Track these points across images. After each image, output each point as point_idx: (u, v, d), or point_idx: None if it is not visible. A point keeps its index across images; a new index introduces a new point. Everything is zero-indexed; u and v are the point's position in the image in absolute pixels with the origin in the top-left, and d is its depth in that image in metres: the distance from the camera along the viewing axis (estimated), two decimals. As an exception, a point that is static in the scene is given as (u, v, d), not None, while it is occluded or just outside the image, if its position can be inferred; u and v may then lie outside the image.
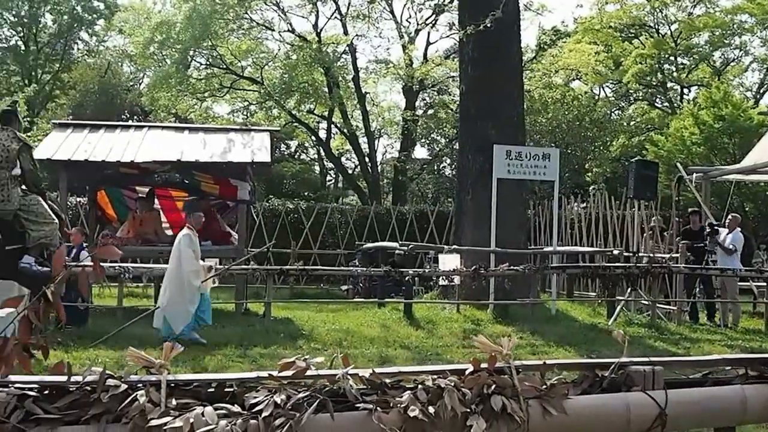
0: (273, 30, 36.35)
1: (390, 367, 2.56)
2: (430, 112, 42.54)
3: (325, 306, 17.99)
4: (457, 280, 16.28)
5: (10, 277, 10.97)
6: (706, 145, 28.28)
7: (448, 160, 44.29)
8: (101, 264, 2.54)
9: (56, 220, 10.98)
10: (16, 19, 46.41)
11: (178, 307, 12.04)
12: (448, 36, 40.48)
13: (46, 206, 10.91)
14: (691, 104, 33.99)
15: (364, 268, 18.10)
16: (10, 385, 2.15)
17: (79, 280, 3.20)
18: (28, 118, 33.94)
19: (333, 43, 35.22)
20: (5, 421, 2.04)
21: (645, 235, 18.33)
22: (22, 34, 46.91)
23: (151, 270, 15.83)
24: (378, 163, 42.06)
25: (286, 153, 47.77)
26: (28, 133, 31.07)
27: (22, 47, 46.81)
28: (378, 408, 2.23)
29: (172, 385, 2.23)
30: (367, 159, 38.96)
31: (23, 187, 10.79)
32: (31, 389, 2.16)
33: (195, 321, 12.28)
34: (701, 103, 30.55)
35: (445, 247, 18.31)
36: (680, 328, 15.43)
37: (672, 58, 40.95)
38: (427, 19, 39.60)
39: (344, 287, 22.33)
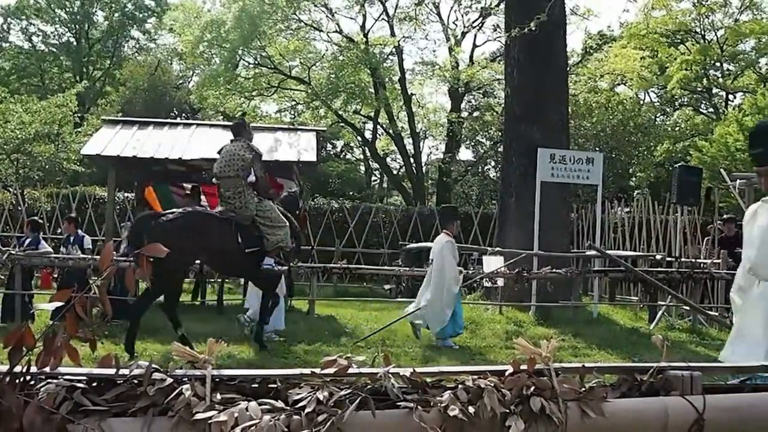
0: (321, 31, 36.48)
1: (433, 366, 2.58)
2: (476, 114, 42.43)
3: (368, 304, 18.04)
4: (500, 281, 16.25)
5: (247, 276, 12.50)
6: (751, 152, 27.90)
7: (493, 163, 44.11)
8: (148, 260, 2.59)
9: (287, 224, 11.60)
10: (68, 17, 46.95)
11: (436, 310, 12.57)
12: (494, 39, 40.40)
13: (278, 212, 11.57)
14: (736, 110, 33.58)
15: (408, 268, 18.13)
16: (59, 377, 2.20)
17: (126, 277, 3.26)
18: (79, 114, 34.29)
19: (380, 44, 35.26)
20: (55, 412, 2.08)
21: (695, 238, 18.17)
22: (74, 31, 47.47)
23: (195, 266, 15.95)
24: (423, 164, 42.04)
25: (332, 153, 47.92)
26: (78, 129, 31.46)
27: (75, 44, 47.34)
28: (419, 407, 2.25)
29: (217, 380, 2.27)
30: (412, 160, 38.95)
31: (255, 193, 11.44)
32: (79, 381, 2.20)
33: (451, 328, 12.77)
34: (746, 109, 30.21)
35: (489, 249, 18.27)
36: (721, 333, 15.28)
37: (717, 64, 40.46)
38: (473, 22, 39.58)
39: (387, 286, 22.38)
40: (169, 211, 11.61)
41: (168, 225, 10.71)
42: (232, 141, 11.75)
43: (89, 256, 14.24)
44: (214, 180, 12.08)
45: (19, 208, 24.73)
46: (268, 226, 11.27)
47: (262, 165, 11.90)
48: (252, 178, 11.38)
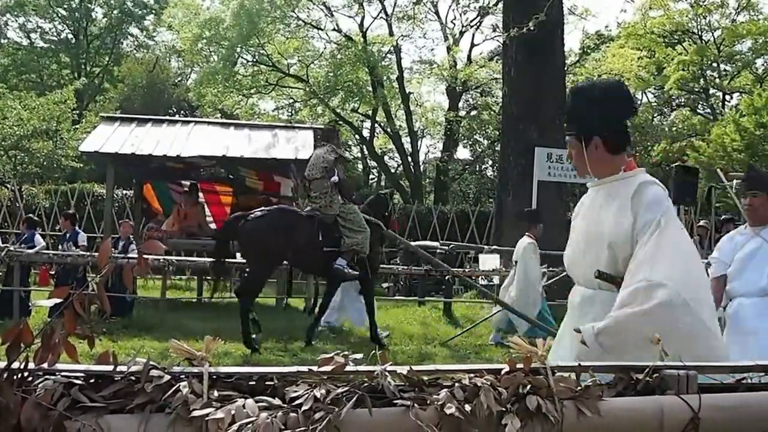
0: (319, 29, 36.52)
1: (429, 364, 2.59)
2: (473, 113, 42.47)
3: (366, 303, 18.05)
4: (495, 279, 16.27)
5: (321, 274, 12.87)
6: (747, 152, 28.01)
7: (490, 161, 44.14)
8: (146, 258, 2.60)
9: (368, 229, 11.84)
10: (67, 14, 46.88)
11: (521, 310, 12.58)
12: (492, 38, 40.46)
13: (361, 216, 11.86)
14: (733, 111, 33.65)
15: (405, 267, 18.15)
16: (57, 373, 2.20)
17: (124, 274, 3.28)
18: (77, 111, 34.27)
19: (378, 43, 35.27)
20: (52, 408, 2.08)
21: (693, 238, 18.14)
22: (73, 27, 47.37)
23: (194, 263, 15.98)
24: (420, 163, 42.06)
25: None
26: (76, 126, 31.47)
27: (73, 40, 47.28)
28: (415, 405, 2.26)
29: (214, 377, 2.27)
30: (409, 158, 38.99)
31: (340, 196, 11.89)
32: (77, 378, 2.20)
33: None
34: (743, 109, 30.28)
35: (485, 247, 18.30)
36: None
37: (714, 64, 40.46)
38: (471, 21, 39.64)
39: (385, 285, 22.38)
40: (258, 209, 12.07)
41: (258, 223, 11.31)
42: (321, 145, 12.39)
43: (88, 253, 14.24)
44: (304, 181, 12.72)
45: (17, 205, 24.71)
46: (348, 228, 11.63)
47: (344, 168, 12.39)
48: (335, 178, 11.81)
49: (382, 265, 20.52)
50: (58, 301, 2.32)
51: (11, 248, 13.92)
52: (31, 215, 16.98)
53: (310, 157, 12.36)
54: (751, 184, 6.17)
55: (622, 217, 3.53)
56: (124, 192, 25.59)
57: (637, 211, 3.51)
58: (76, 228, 15.69)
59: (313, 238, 11.41)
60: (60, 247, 15.16)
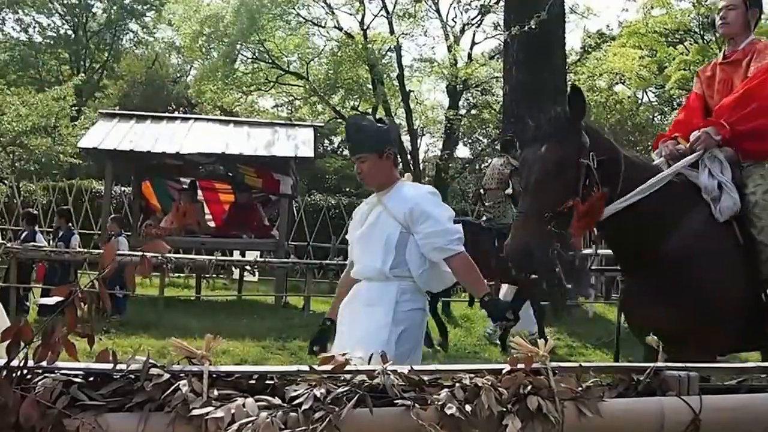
0: (320, 26, 36.50)
1: (430, 365, 2.59)
2: (474, 111, 42.44)
3: (364, 301, 18.04)
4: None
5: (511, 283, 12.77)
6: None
7: (490, 160, 44.09)
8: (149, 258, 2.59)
9: None
10: (66, 9, 46.84)
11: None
12: (493, 36, 40.37)
13: None
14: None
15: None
16: (56, 371, 2.20)
17: (126, 274, 3.25)
18: (76, 107, 34.24)
19: (379, 41, 35.26)
20: (51, 407, 2.08)
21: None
22: (72, 23, 47.30)
23: (193, 261, 15.98)
24: (420, 161, 42.01)
25: (329, 148, 47.84)
26: (75, 122, 31.45)
27: (72, 36, 47.22)
28: (416, 405, 2.26)
29: (214, 376, 2.27)
30: (409, 157, 38.92)
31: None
32: (76, 376, 2.20)
33: None
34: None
35: (485, 246, 18.29)
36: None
37: (716, 64, 40.40)
38: (472, 19, 39.50)
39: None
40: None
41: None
42: (498, 156, 13.26)
43: (85, 250, 14.20)
44: (481, 191, 13.44)
45: (15, 201, 24.69)
46: None
47: (519, 180, 12.63)
48: (509, 190, 12.30)
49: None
50: (59, 299, 2.31)
51: (8, 245, 13.88)
52: (30, 209, 16.95)
53: (487, 166, 12.84)
54: (355, 147, 4.96)
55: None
56: (123, 189, 25.57)
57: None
58: (71, 227, 15.67)
59: (492, 247, 11.51)
60: (51, 244, 15.14)
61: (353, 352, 2.69)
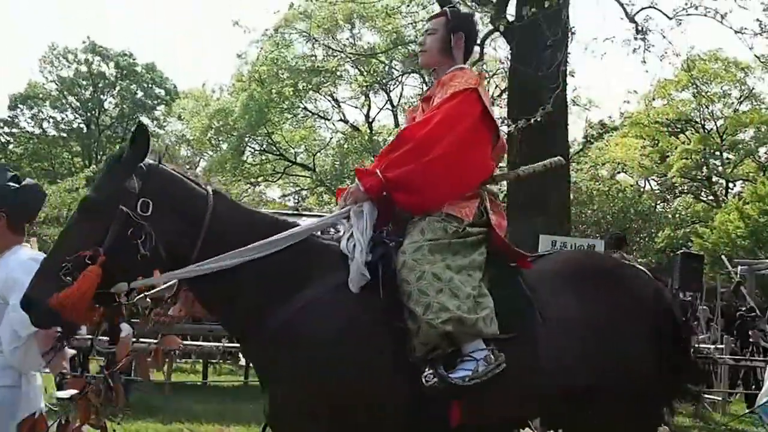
0: (327, 119, 36.99)
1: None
2: (480, 200, 42.64)
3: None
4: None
5: None
6: (752, 239, 28.23)
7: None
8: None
9: None
10: (80, 104, 47.57)
11: None
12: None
13: None
14: (736, 198, 33.91)
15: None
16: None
17: (140, 368, 3.30)
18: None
19: (384, 132, 35.67)
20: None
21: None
22: (84, 117, 47.99)
23: (200, 347, 16.06)
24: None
25: (335, 238, 47.99)
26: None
27: (85, 130, 47.85)
28: None
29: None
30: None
31: None
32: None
33: None
34: (746, 197, 30.58)
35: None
36: (725, 418, 15.26)
37: (717, 153, 40.56)
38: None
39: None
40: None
41: None
42: (612, 252, 12.94)
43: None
44: None
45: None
46: None
47: None
48: None
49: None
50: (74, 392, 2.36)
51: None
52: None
53: None
54: None
55: None
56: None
57: None
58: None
59: None
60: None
61: None
